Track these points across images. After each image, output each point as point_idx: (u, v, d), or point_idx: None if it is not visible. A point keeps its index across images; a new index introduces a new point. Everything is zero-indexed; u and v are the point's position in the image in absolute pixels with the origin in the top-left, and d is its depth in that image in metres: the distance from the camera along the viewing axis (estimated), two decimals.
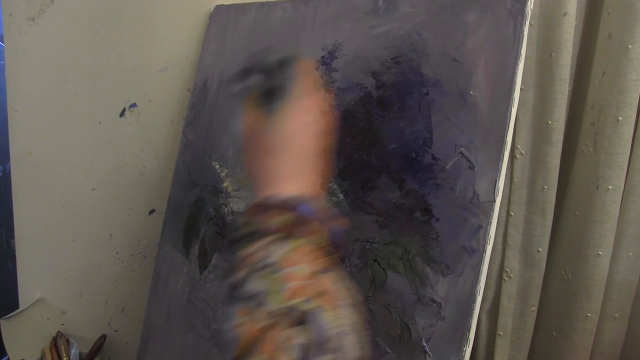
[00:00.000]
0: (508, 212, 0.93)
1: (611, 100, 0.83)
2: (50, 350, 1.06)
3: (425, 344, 0.72)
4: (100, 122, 1.04)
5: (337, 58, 0.85)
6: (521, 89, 0.87)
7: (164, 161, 1.09)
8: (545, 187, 0.89)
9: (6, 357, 1.01)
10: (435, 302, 0.72)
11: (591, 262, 0.87)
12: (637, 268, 0.88)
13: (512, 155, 0.91)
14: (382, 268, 0.76)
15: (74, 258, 1.10)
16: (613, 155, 0.83)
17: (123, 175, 1.07)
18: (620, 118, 0.82)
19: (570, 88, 0.89)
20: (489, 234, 0.70)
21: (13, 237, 1.05)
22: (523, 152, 0.91)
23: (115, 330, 1.17)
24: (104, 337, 1.10)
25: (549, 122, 0.87)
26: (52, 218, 1.07)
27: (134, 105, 1.05)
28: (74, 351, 1.07)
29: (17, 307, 1.06)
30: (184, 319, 0.95)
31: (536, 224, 0.91)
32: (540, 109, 0.88)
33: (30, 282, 1.09)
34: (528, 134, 0.90)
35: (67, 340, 1.08)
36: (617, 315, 0.90)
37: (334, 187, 0.81)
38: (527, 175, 0.91)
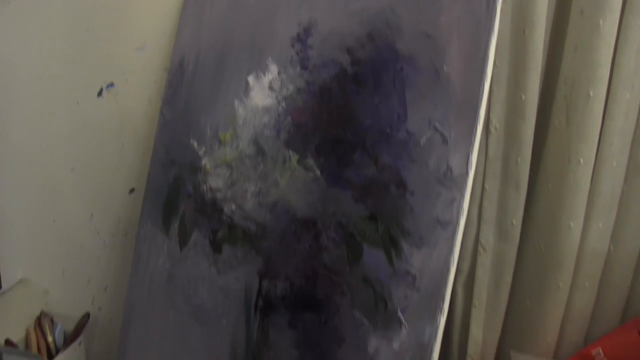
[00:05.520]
0: (483, 186, 0.95)
1: (583, 75, 0.84)
2: (35, 329, 1.06)
3: (400, 315, 0.73)
4: (77, 103, 1.03)
5: (312, 35, 0.85)
6: (495, 64, 0.87)
7: (142, 140, 1.08)
8: (519, 160, 0.90)
9: None
10: (410, 274, 0.73)
11: (563, 233, 0.89)
12: (606, 239, 0.91)
13: (487, 130, 0.92)
14: (358, 242, 0.77)
15: (55, 238, 1.10)
16: (584, 129, 0.85)
17: (102, 155, 1.07)
18: (591, 93, 0.83)
19: (543, 63, 0.91)
20: (462, 207, 0.72)
21: None
22: (497, 126, 0.92)
23: (99, 308, 1.17)
24: (87, 315, 1.11)
25: (523, 96, 0.88)
26: (32, 199, 1.07)
27: (112, 85, 1.04)
28: (58, 330, 1.07)
29: (0, 289, 1.06)
30: (165, 296, 0.96)
31: (510, 197, 0.93)
32: (513, 84, 0.89)
33: (13, 263, 1.09)
34: (502, 108, 0.91)
35: (51, 319, 1.08)
36: (587, 284, 0.92)
37: (311, 163, 0.82)
38: (501, 150, 0.93)
